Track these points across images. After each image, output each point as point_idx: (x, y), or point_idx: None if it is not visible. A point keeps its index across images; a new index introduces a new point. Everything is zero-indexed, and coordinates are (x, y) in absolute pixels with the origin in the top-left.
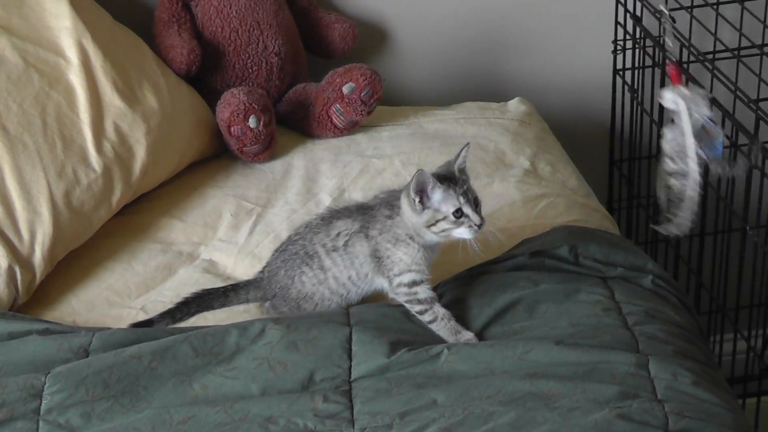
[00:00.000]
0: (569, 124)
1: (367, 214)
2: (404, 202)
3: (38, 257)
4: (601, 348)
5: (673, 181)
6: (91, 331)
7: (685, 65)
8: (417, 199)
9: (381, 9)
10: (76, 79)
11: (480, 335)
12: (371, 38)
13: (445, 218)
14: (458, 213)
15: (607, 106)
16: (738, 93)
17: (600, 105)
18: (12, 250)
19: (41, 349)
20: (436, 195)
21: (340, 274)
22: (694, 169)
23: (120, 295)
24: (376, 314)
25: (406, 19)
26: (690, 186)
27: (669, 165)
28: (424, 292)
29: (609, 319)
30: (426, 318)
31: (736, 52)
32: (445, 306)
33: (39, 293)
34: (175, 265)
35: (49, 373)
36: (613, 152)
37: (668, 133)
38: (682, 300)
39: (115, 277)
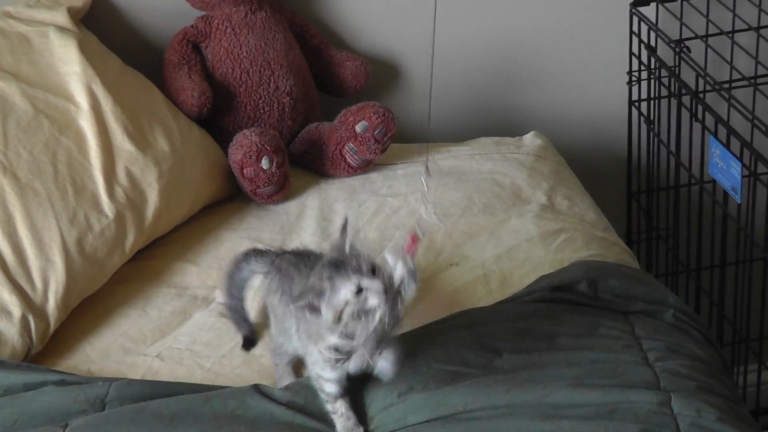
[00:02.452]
0: (586, 157)
1: None
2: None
3: (52, 305)
4: (621, 387)
5: None
6: (108, 381)
7: (701, 94)
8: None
9: (392, 46)
10: (86, 124)
11: (499, 362)
12: (383, 75)
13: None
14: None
15: (623, 138)
16: (756, 122)
17: (616, 137)
18: (25, 299)
19: (57, 400)
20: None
21: None
22: None
23: (135, 341)
24: None
25: (418, 56)
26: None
27: None
28: None
29: (629, 355)
30: None
31: (752, 81)
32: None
33: (53, 342)
34: (190, 309)
35: (66, 425)
36: (631, 184)
37: None
38: (704, 333)
39: (129, 324)
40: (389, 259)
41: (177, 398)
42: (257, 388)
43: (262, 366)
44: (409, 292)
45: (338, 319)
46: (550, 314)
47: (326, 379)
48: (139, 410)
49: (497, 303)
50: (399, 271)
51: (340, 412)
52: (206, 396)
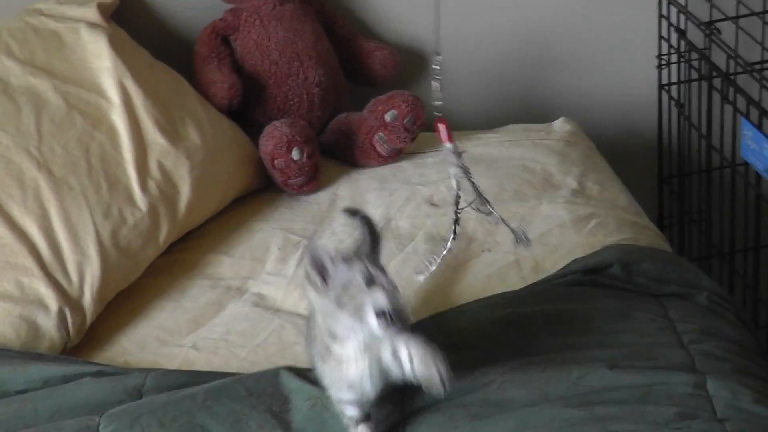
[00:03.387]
0: (616, 142)
1: None
2: None
3: (88, 299)
4: (656, 369)
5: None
6: (144, 372)
7: (732, 76)
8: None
9: (420, 34)
10: (118, 118)
11: (534, 344)
12: (411, 64)
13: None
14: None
15: (653, 122)
16: None
17: (646, 121)
18: (62, 292)
19: (95, 391)
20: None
21: None
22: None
23: (170, 333)
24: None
25: (446, 43)
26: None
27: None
28: None
29: (664, 338)
30: None
31: None
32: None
33: (90, 335)
34: (225, 300)
35: (104, 414)
36: (662, 169)
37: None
38: (739, 315)
39: (165, 315)
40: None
41: (209, 383)
42: (289, 369)
43: (296, 353)
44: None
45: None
46: (583, 297)
47: (347, 401)
48: (172, 393)
49: (531, 285)
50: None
51: None
52: (239, 377)
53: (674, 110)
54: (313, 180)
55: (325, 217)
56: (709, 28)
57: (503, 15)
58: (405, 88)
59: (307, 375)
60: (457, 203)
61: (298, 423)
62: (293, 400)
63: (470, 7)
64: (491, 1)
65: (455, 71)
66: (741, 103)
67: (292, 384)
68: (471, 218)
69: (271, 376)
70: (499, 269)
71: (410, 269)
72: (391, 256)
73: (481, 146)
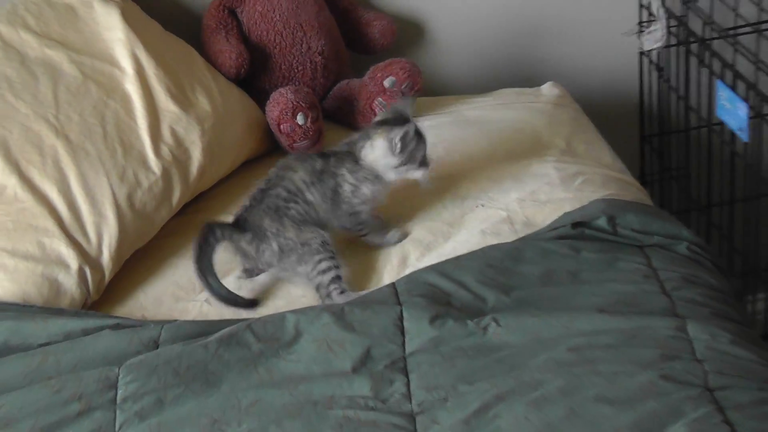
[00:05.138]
0: (600, 104)
1: (332, 157)
2: (381, 145)
3: (106, 257)
4: (641, 314)
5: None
6: (160, 324)
7: (707, 41)
8: (399, 145)
9: (417, 4)
10: (131, 87)
11: (528, 292)
12: (409, 33)
13: (412, 162)
14: (424, 160)
15: (635, 86)
16: (760, 65)
17: (628, 84)
18: (81, 252)
19: (114, 343)
20: (412, 146)
21: (319, 207)
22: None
23: (185, 289)
24: (421, 288)
25: (441, 13)
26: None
27: None
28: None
29: (648, 285)
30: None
31: (756, 26)
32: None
33: (108, 291)
34: (235, 259)
35: (122, 365)
36: (644, 129)
37: None
38: (717, 264)
39: (179, 273)
40: None
41: (221, 331)
42: (294, 312)
43: (303, 305)
44: None
45: (403, 164)
46: (572, 250)
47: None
48: (187, 344)
49: (523, 237)
50: None
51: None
52: (247, 323)
53: (654, 74)
54: (317, 143)
55: None
56: None
57: None
58: (402, 56)
59: (312, 315)
60: None
61: (305, 364)
62: (300, 343)
63: None
64: None
65: (453, 41)
66: (716, 66)
67: (298, 327)
68: (465, 177)
69: (278, 320)
70: (492, 224)
71: (409, 225)
72: (391, 213)
73: (475, 109)
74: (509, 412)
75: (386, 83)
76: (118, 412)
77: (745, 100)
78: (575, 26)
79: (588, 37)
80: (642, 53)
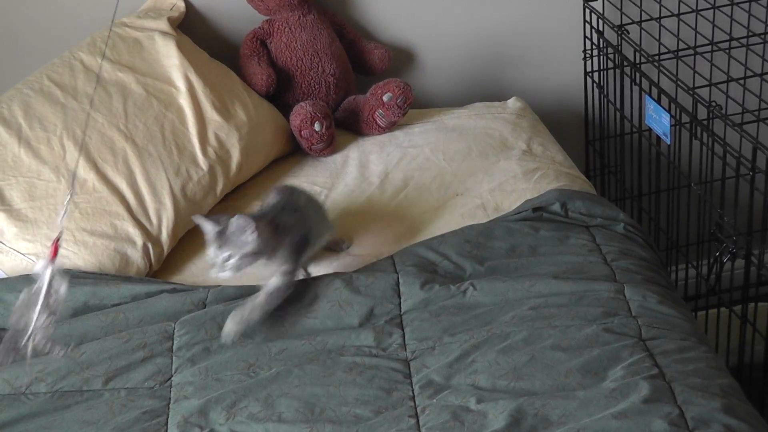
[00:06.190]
0: (553, 115)
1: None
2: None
3: (165, 236)
4: (587, 280)
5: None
6: (207, 288)
7: (638, 65)
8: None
9: (408, 36)
10: (184, 102)
11: (496, 263)
12: (402, 58)
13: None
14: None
15: (581, 100)
16: (678, 83)
17: (576, 99)
18: (145, 231)
19: (170, 303)
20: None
21: None
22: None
23: None
24: (413, 259)
25: (428, 43)
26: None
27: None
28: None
29: (593, 257)
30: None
31: (675, 53)
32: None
33: (167, 263)
34: None
35: (177, 321)
36: (588, 134)
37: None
38: (647, 240)
39: None
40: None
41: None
42: (315, 278)
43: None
44: (61, 288)
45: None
46: (533, 229)
47: None
48: (228, 305)
49: (493, 219)
50: (47, 274)
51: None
52: None
53: (596, 91)
54: (331, 146)
55: (340, 172)
56: (621, 29)
57: (470, 22)
58: (397, 76)
59: (326, 282)
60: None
61: (321, 320)
62: (319, 302)
63: (449, 17)
64: (461, 13)
65: (437, 65)
66: (645, 84)
67: (317, 289)
68: (447, 172)
69: (301, 284)
70: (469, 210)
71: (403, 210)
72: (389, 201)
73: (454, 119)
74: (483, 358)
75: (385, 98)
76: (174, 358)
77: (668, 110)
78: (534, 53)
79: (544, 62)
80: (587, 74)
